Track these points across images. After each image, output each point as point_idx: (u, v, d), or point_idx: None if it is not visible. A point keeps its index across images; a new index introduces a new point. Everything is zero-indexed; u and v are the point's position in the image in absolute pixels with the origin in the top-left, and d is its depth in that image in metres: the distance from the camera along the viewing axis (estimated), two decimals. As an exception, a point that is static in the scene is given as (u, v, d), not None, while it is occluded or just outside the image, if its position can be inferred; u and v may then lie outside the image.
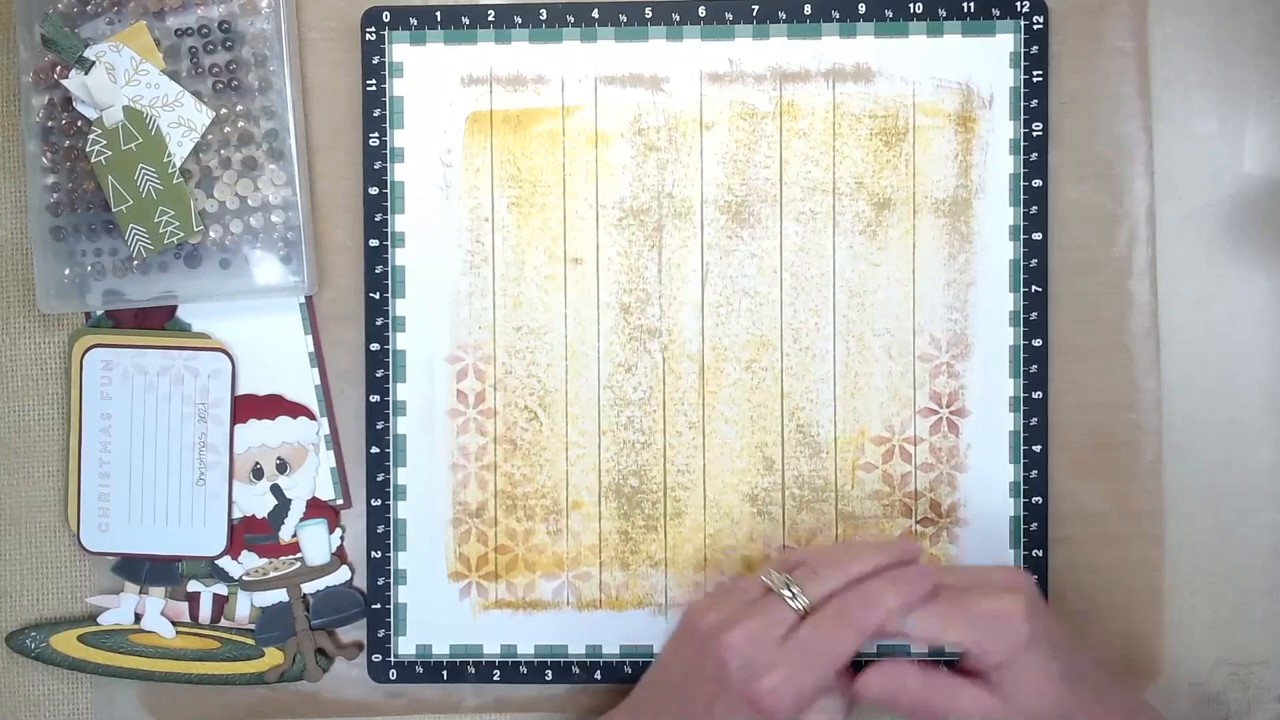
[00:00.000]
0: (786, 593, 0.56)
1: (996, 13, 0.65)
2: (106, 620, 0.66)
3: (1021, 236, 0.65)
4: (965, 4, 0.65)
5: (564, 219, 0.66)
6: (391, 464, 0.66)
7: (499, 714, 0.67)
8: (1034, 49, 0.65)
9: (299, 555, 0.66)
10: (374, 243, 0.66)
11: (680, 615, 0.62)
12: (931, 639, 0.56)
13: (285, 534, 0.66)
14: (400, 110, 0.66)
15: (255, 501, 0.66)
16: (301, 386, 0.66)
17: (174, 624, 0.66)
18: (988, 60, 0.65)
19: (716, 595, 0.61)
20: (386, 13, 0.66)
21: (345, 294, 0.66)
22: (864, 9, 0.65)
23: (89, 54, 0.62)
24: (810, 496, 0.66)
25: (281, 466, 0.66)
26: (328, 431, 0.66)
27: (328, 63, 0.66)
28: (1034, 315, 0.65)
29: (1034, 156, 0.65)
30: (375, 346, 0.66)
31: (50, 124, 0.64)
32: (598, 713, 0.66)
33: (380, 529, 0.66)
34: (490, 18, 0.65)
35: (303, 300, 0.66)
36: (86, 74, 0.62)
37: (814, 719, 0.57)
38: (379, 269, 0.66)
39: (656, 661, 0.63)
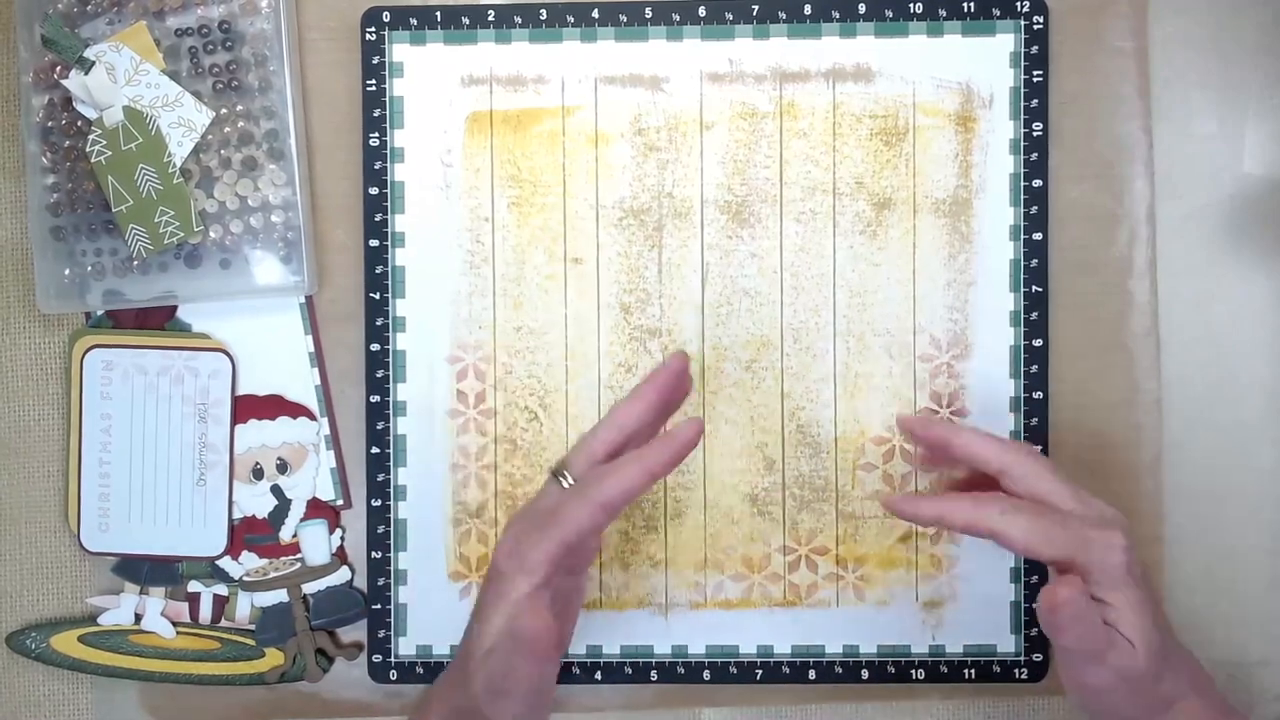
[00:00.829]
0: (561, 477, 0.56)
1: (996, 13, 0.65)
2: (106, 620, 0.66)
3: (1021, 236, 0.65)
4: (965, 4, 0.65)
5: (564, 219, 0.66)
6: (391, 464, 0.66)
7: (499, 714, 0.67)
8: (1034, 49, 0.65)
9: (299, 555, 0.66)
10: (374, 243, 0.66)
11: None
12: (1029, 551, 0.54)
13: (285, 534, 0.66)
14: (400, 110, 0.66)
15: (255, 501, 0.66)
16: (301, 386, 0.66)
17: (174, 624, 0.66)
18: (988, 60, 0.65)
19: None
20: (386, 13, 0.66)
21: (345, 294, 0.66)
22: (864, 9, 0.65)
23: (89, 54, 0.62)
24: (810, 496, 0.66)
25: (281, 467, 0.66)
26: (328, 432, 0.66)
27: (328, 63, 0.66)
28: (1034, 315, 0.65)
29: (1034, 156, 0.65)
30: (375, 346, 0.66)
31: (50, 124, 0.64)
32: (598, 712, 0.66)
33: (380, 529, 0.66)
34: (490, 18, 0.65)
35: (303, 300, 0.66)
36: (86, 74, 0.62)
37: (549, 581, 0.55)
38: (379, 269, 0.66)
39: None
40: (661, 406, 0.58)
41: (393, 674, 0.66)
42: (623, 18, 0.65)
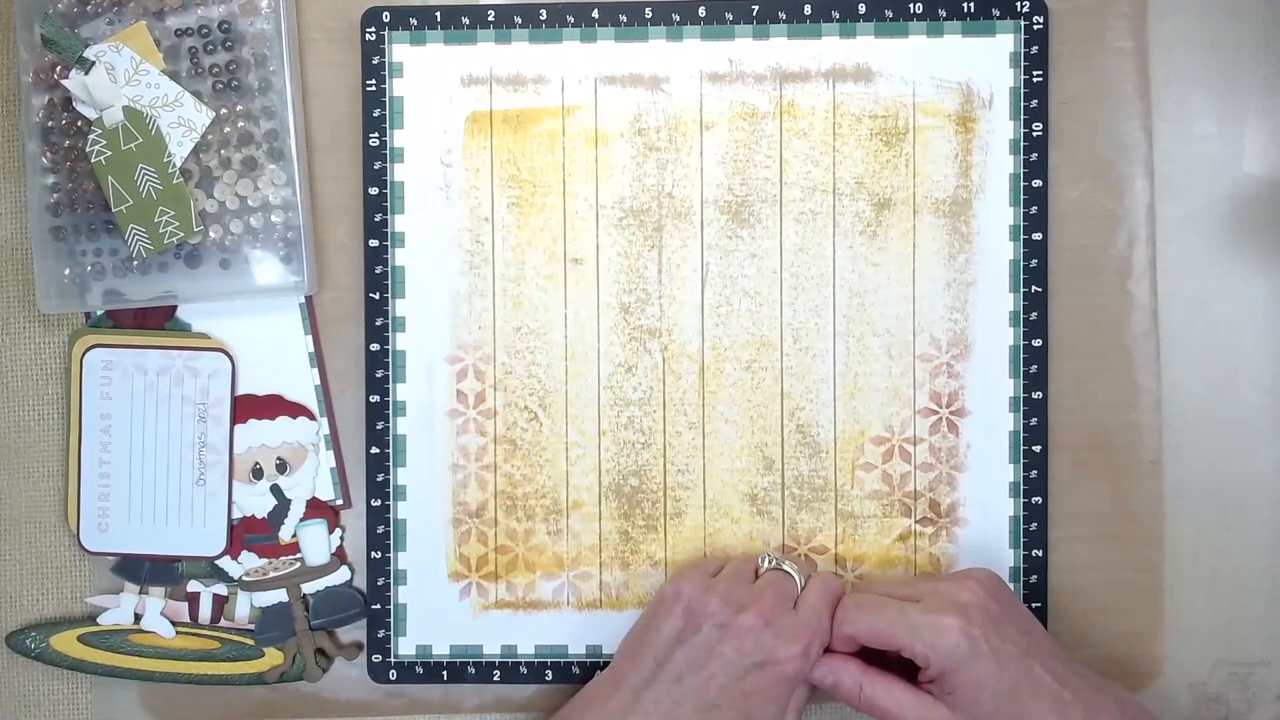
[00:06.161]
0: (787, 565, 0.62)
1: (996, 13, 0.65)
2: (106, 620, 0.66)
3: (1021, 236, 0.65)
4: (965, 4, 0.65)
5: (564, 219, 0.66)
6: (391, 464, 0.66)
7: (499, 714, 0.67)
8: (1034, 49, 0.65)
9: (299, 555, 0.66)
10: (374, 243, 0.66)
11: (660, 597, 0.62)
12: (869, 640, 0.59)
13: (285, 534, 0.66)
14: (400, 110, 0.66)
15: (255, 501, 0.66)
16: (301, 386, 0.66)
17: (174, 624, 0.66)
18: (988, 60, 0.65)
19: (706, 576, 0.62)
20: (386, 13, 0.66)
21: (345, 294, 0.66)
22: (864, 9, 0.65)
23: (89, 54, 0.62)
24: (810, 496, 0.66)
25: (281, 466, 0.66)
26: (328, 431, 0.66)
27: (328, 63, 0.66)
28: (1034, 315, 0.65)
29: (1034, 156, 0.65)
30: (375, 346, 0.66)
31: (50, 124, 0.64)
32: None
33: (380, 529, 0.66)
34: (490, 18, 0.65)
35: (303, 300, 0.66)
36: (86, 74, 0.62)
37: (819, 672, 0.60)
38: (379, 269, 0.66)
39: (632, 655, 0.61)
40: None
41: (392, 674, 0.66)
42: (623, 18, 0.65)
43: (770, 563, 0.63)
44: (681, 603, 0.60)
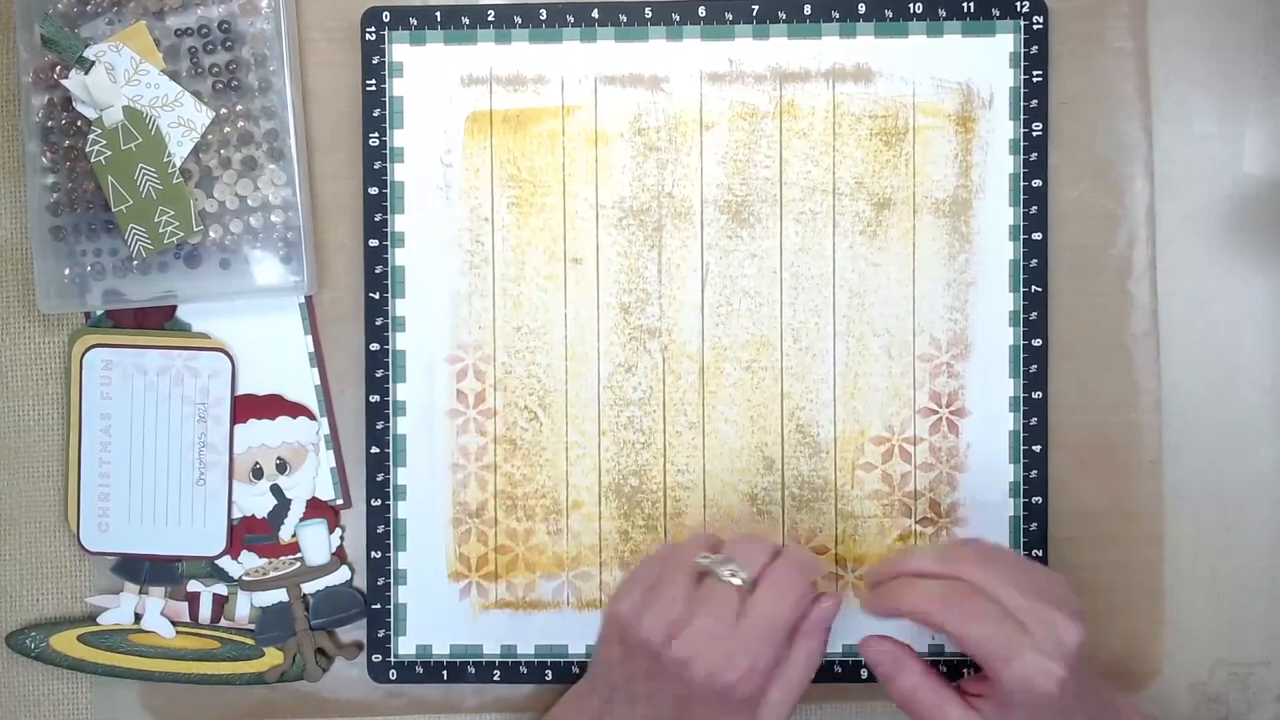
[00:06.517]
0: (726, 570, 0.56)
1: (996, 13, 0.65)
2: (106, 620, 0.66)
3: (1021, 236, 0.65)
4: (965, 4, 0.65)
5: (564, 219, 0.66)
6: (391, 464, 0.66)
7: (499, 714, 0.67)
8: (1034, 49, 0.65)
9: (299, 555, 0.66)
10: (374, 243, 0.66)
11: (604, 619, 0.59)
12: (957, 641, 0.55)
13: (285, 534, 0.66)
14: (400, 110, 0.66)
15: (255, 501, 0.66)
16: (301, 386, 0.66)
17: (174, 624, 0.66)
18: (988, 60, 0.65)
19: (641, 592, 0.57)
20: (386, 13, 0.66)
21: (345, 294, 0.66)
22: (864, 9, 0.65)
23: (89, 54, 0.62)
24: (810, 496, 0.66)
25: (281, 466, 0.66)
26: (328, 431, 0.66)
27: (328, 63, 0.66)
28: (1034, 315, 0.65)
29: (1034, 156, 0.65)
30: (375, 346, 0.66)
31: (50, 124, 0.64)
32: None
33: (380, 529, 0.66)
34: (490, 18, 0.65)
35: (303, 300, 0.66)
36: (86, 74, 0.62)
37: (774, 690, 0.57)
38: (379, 269, 0.66)
39: (594, 673, 0.60)
40: None
41: (392, 674, 0.66)
42: (623, 18, 0.65)
43: (708, 561, 0.57)
44: (617, 626, 0.57)
